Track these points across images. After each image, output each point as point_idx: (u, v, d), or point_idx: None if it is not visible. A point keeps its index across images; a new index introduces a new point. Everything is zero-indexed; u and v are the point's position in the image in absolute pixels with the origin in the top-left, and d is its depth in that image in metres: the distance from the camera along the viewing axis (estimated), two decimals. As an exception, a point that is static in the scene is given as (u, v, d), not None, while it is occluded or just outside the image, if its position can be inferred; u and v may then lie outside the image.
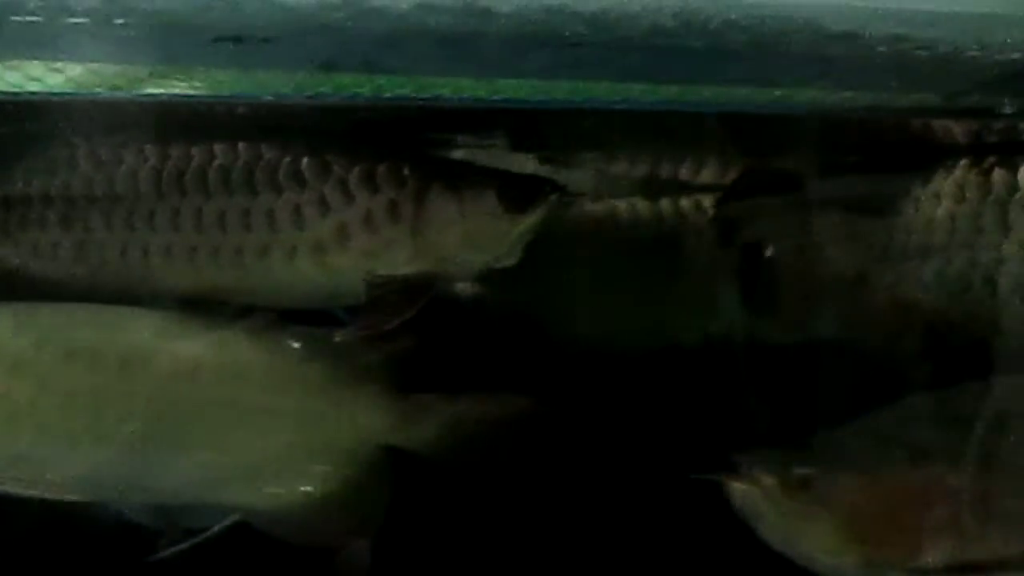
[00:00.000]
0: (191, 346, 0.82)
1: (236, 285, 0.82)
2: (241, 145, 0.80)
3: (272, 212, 0.80)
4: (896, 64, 0.68)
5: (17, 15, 0.59)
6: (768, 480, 0.81)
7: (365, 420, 0.82)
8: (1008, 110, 0.72)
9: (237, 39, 0.59)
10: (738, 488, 0.80)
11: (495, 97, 0.63)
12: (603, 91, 0.64)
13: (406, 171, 0.80)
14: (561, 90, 0.64)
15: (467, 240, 0.81)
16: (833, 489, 0.81)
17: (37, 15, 0.58)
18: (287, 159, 0.80)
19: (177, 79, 0.63)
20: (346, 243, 0.80)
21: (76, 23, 0.59)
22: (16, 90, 0.68)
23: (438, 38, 0.60)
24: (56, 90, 0.67)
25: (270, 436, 0.82)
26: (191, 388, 0.81)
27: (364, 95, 0.62)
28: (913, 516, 0.80)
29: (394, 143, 0.82)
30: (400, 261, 0.80)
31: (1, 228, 0.84)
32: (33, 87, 0.68)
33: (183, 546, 0.88)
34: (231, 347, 0.82)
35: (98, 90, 0.66)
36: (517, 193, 0.81)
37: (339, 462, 0.83)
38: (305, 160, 0.80)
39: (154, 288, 0.81)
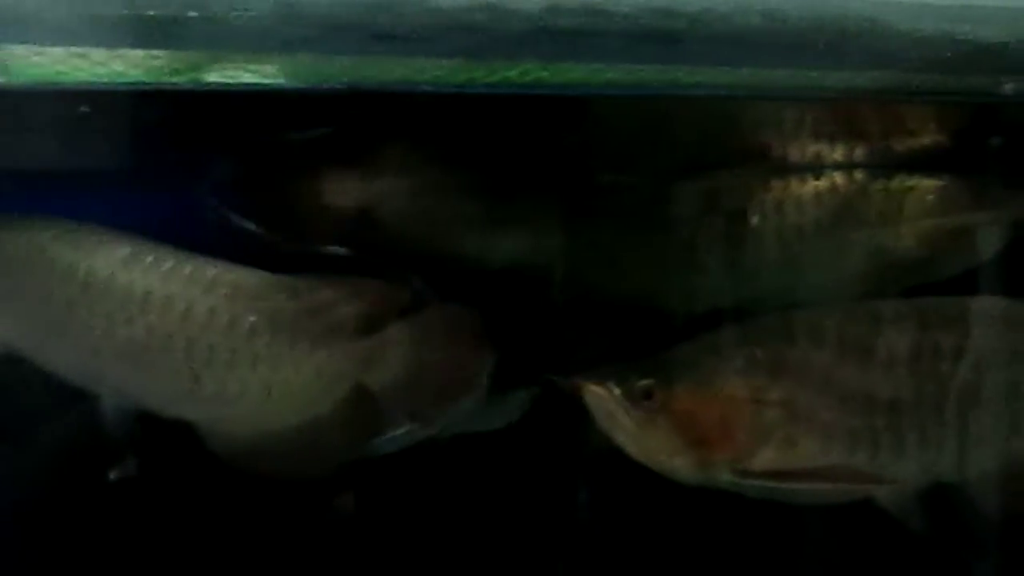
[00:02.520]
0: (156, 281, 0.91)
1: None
2: None
3: None
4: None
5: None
6: (615, 389, 0.89)
7: (330, 363, 0.90)
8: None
9: (393, 36, 0.67)
10: (591, 393, 0.89)
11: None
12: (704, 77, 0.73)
13: None
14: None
15: None
16: (671, 398, 0.89)
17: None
18: None
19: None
20: None
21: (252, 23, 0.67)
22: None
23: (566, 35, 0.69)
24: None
25: (244, 373, 0.90)
26: (165, 322, 0.90)
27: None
28: (740, 423, 0.89)
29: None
30: None
31: None
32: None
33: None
34: (205, 288, 0.91)
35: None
36: None
37: (308, 402, 0.91)
38: None
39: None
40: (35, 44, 0.86)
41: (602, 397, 0.89)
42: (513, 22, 0.68)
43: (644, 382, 0.89)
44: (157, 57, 0.91)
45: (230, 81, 0.91)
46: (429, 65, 0.69)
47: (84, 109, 0.93)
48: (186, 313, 0.90)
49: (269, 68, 0.91)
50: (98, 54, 0.88)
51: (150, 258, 0.92)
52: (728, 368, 0.90)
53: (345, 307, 0.91)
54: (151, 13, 0.79)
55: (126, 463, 0.99)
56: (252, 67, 0.90)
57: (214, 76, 0.92)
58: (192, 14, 0.77)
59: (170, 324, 0.90)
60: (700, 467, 0.90)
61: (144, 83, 0.92)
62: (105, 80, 0.91)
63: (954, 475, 0.91)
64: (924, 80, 0.77)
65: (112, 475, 0.99)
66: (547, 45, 0.70)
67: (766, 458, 0.89)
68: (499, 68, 0.69)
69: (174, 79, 0.91)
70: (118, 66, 0.90)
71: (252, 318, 0.90)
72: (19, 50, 0.87)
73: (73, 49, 0.87)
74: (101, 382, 0.93)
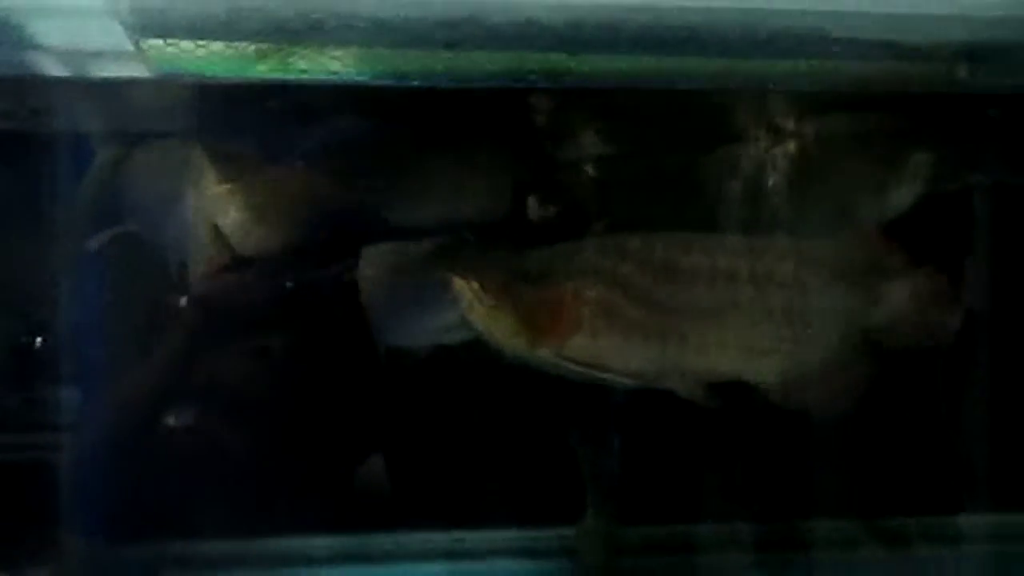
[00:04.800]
0: None
1: None
2: None
3: None
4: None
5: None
6: (473, 282, 1.12)
7: None
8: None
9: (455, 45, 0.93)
10: (456, 285, 1.13)
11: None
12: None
13: None
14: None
15: None
16: (512, 293, 1.12)
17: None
18: None
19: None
20: None
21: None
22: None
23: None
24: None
25: None
26: None
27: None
28: (562, 316, 1.13)
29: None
30: None
31: None
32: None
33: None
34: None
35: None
36: None
37: None
38: None
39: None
40: (171, 38, 1.10)
41: (464, 288, 1.13)
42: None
43: (496, 279, 1.13)
44: (258, 48, 1.14)
45: (316, 69, 1.16)
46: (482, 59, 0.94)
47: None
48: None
49: (348, 58, 1.15)
50: (216, 45, 1.13)
51: None
52: (557, 273, 1.14)
53: None
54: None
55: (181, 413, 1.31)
56: (336, 54, 1.15)
57: (303, 64, 1.16)
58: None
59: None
60: (531, 347, 1.13)
61: (240, 71, 1.17)
62: (219, 68, 1.16)
63: (737, 375, 1.15)
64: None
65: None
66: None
67: (579, 346, 1.13)
68: (535, 60, 0.95)
69: (263, 65, 1.17)
70: (230, 54, 1.15)
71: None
72: (156, 43, 1.12)
73: (199, 42, 1.12)
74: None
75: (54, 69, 1.14)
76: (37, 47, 1.10)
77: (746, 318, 1.13)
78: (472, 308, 1.13)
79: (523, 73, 0.98)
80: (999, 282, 1.34)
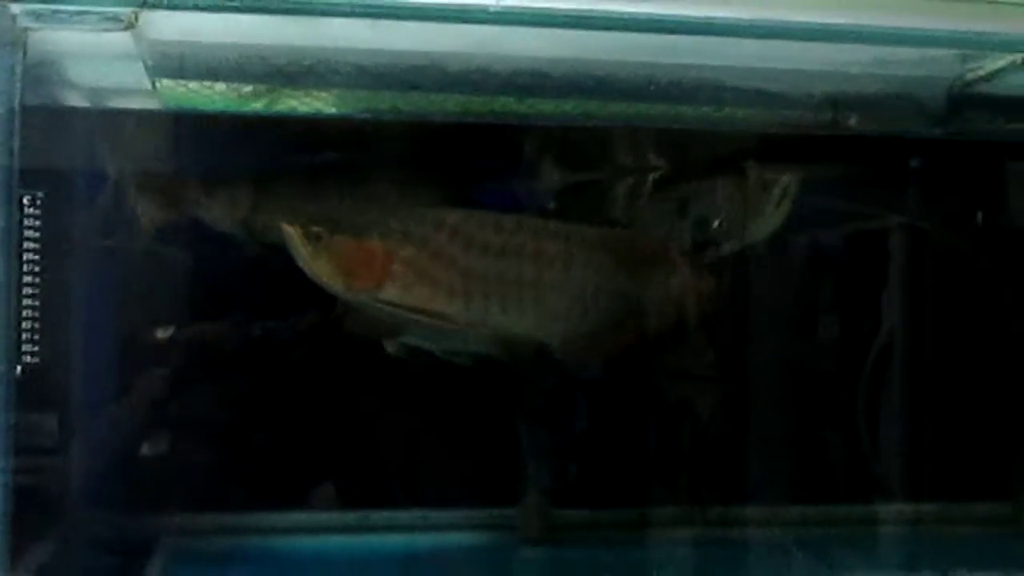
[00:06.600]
0: None
1: None
2: None
3: None
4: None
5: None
6: (299, 230, 1.28)
7: None
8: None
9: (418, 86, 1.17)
10: (284, 231, 1.29)
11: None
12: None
13: None
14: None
15: None
16: (332, 241, 1.28)
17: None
18: None
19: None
20: None
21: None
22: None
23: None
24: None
25: None
26: None
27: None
28: (376, 267, 1.29)
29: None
30: None
31: None
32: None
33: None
34: None
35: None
36: None
37: None
38: None
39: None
40: (181, 79, 1.32)
41: (290, 234, 1.29)
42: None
43: (316, 228, 1.29)
44: (255, 88, 1.36)
45: (302, 106, 1.39)
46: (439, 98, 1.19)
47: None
48: None
49: (331, 97, 1.37)
50: (219, 86, 1.35)
51: None
52: (373, 230, 1.30)
53: None
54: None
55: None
56: (320, 94, 1.37)
57: (292, 102, 1.39)
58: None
59: None
60: (348, 290, 1.30)
61: (237, 107, 1.38)
62: (219, 104, 1.38)
63: (531, 334, 1.35)
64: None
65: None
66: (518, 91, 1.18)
67: (391, 293, 1.29)
68: (490, 102, 1.19)
69: (257, 103, 1.38)
70: (230, 94, 1.36)
71: None
72: (168, 83, 1.33)
73: (204, 82, 1.33)
74: None
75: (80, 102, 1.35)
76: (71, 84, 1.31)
77: (544, 290, 1.34)
78: (296, 249, 1.29)
79: (475, 112, 1.22)
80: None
